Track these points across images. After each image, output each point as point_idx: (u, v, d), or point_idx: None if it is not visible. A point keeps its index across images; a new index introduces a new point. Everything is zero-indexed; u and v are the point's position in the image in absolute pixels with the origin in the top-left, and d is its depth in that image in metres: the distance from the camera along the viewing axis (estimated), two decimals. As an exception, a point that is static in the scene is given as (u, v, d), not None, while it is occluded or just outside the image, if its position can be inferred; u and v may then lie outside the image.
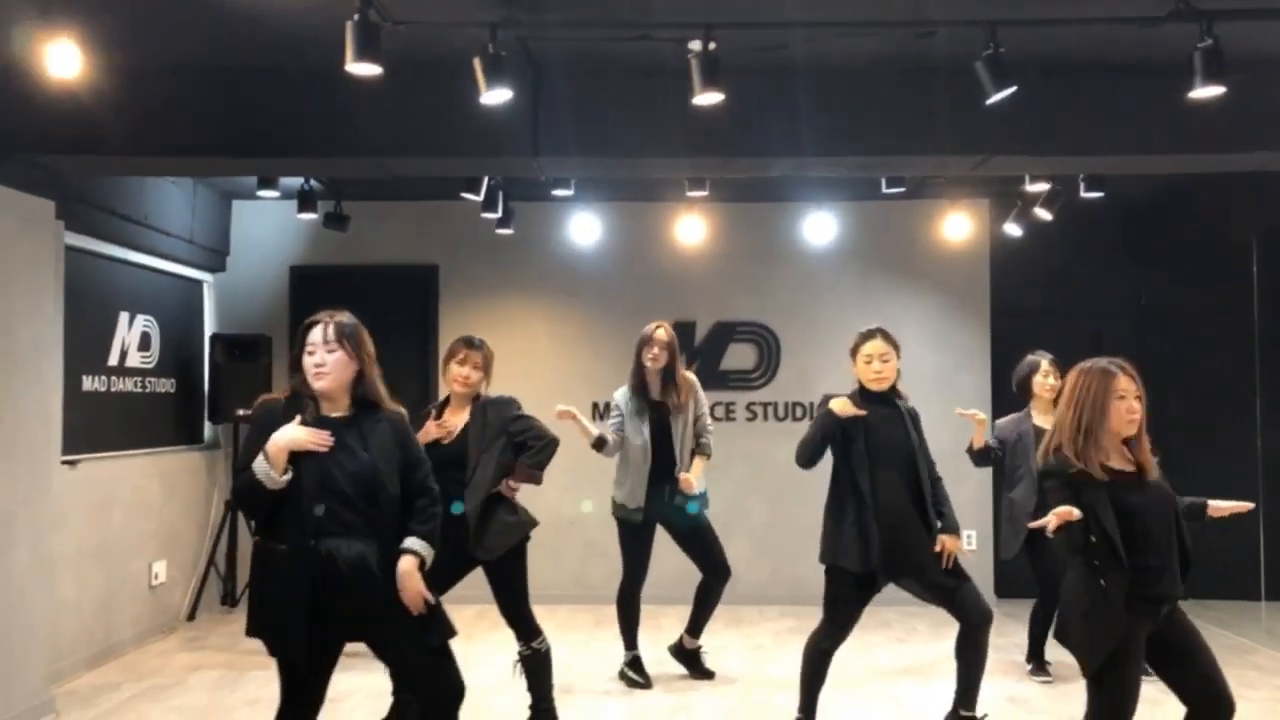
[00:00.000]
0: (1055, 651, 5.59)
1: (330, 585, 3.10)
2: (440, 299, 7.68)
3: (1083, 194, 5.62)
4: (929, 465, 4.45)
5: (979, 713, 4.41)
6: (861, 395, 4.41)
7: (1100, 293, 7.68)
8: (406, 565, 3.18)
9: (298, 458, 3.11)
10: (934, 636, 6.43)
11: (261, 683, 5.37)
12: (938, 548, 4.32)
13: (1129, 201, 7.30)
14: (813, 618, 4.48)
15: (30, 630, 4.77)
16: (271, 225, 7.60)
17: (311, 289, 7.61)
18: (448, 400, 4.55)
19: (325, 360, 3.18)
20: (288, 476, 3.07)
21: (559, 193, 5.46)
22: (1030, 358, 5.79)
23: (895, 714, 4.98)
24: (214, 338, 7.29)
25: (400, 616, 3.18)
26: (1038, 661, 5.64)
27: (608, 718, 4.98)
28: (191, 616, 6.92)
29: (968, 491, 7.63)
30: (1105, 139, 4.44)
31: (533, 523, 4.48)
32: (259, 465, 3.06)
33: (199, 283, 7.42)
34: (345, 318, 3.29)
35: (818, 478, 7.05)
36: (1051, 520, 3.20)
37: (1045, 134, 4.44)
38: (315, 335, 3.22)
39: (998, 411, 7.64)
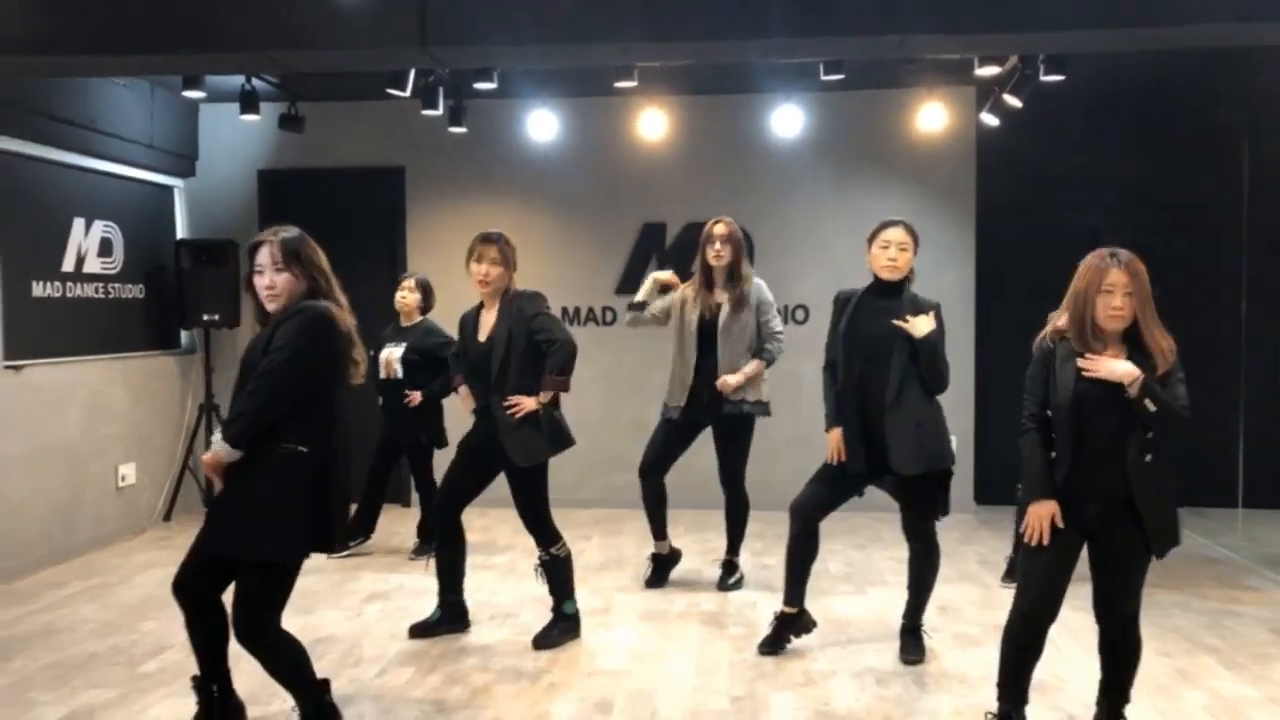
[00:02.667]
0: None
1: None
2: (407, 200, 7.56)
3: (1042, 77, 5.21)
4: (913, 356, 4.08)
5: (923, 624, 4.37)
6: (873, 285, 4.25)
7: (1094, 186, 7.24)
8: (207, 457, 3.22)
9: None
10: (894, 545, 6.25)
11: (200, 582, 5.49)
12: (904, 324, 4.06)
13: (1118, 86, 6.80)
14: (781, 524, 4.39)
15: (-39, 529, 4.90)
16: (240, 129, 7.48)
17: (279, 193, 7.56)
18: (482, 305, 4.51)
19: (275, 281, 3.22)
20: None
21: (481, 86, 5.23)
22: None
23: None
24: (179, 243, 7.29)
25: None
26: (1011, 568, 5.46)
27: (614, 611, 5.02)
28: (167, 518, 7.08)
29: (948, 394, 7.33)
30: (1028, 13, 4.06)
31: (569, 442, 4.47)
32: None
33: (168, 188, 7.40)
34: (289, 234, 3.28)
35: (790, 385, 6.94)
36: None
37: (965, 9, 4.08)
38: (263, 256, 3.24)
39: (981, 313, 7.33)
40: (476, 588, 5.24)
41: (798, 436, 6.66)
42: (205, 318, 7.16)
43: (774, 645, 4.33)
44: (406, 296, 6.00)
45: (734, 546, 5.41)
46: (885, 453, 4.07)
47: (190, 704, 3.62)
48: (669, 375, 5.29)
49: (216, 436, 3.21)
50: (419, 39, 4.26)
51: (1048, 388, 3.25)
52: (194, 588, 3.33)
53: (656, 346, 5.64)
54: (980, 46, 4.63)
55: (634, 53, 4.63)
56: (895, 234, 4.19)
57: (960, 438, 7.38)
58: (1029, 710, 3.32)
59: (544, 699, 3.87)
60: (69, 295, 6.27)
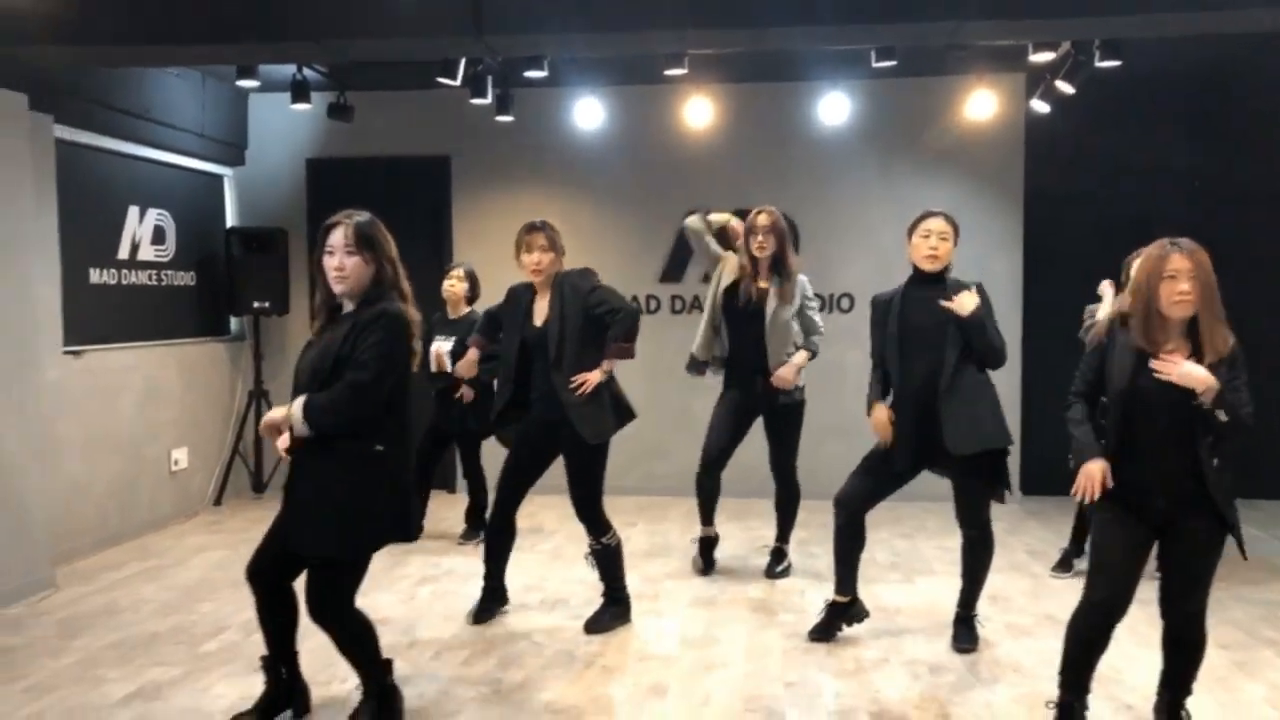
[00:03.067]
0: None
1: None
2: (453, 189, 7.61)
3: (1097, 63, 5.14)
4: (967, 350, 4.09)
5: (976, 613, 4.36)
6: (911, 277, 4.24)
7: (1150, 174, 7.13)
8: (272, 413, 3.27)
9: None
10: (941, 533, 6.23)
11: (254, 564, 5.58)
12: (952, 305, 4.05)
13: (1175, 71, 6.70)
14: (826, 512, 4.39)
15: (25, 510, 5.00)
16: (288, 118, 7.57)
17: (327, 181, 7.63)
18: (534, 290, 4.53)
19: (345, 264, 3.22)
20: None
21: (532, 74, 5.24)
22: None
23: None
24: (229, 231, 7.39)
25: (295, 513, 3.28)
26: (1063, 560, 5.44)
27: (664, 597, 5.06)
28: (218, 502, 7.20)
29: (996, 383, 7.30)
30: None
31: (632, 415, 4.53)
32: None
33: (218, 177, 7.49)
34: (363, 218, 3.29)
35: (834, 373, 6.93)
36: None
37: (1021, -5, 4.05)
38: (335, 238, 3.24)
39: (1029, 302, 7.27)
40: (525, 572, 5.31)
41: (841, 425, 6.65)
42: (255, 305, 7.26)
43: (825, 633, 4.34)
44: (455, 286, 6.03)
45: (784, 535, 5.42)
46: (939, 437, 4.03)
47: (252, 683, 3.71)
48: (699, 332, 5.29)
49: (297, 407, 3.16)
50: (474, 28, 4.29)
51: (1100, 374, 3.24)
52: (268, 574, 3.39)
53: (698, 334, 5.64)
54: (1036, 32, 4.58)
55: (688, 39, 4.63)
56: (936, 224, 4.17)
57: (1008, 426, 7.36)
58: (1098, 701, 3.30)
59: (598, 682, 3.91)
60: (124, 282, 6.38)
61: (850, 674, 3.99)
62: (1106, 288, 5.14)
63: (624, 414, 4.50)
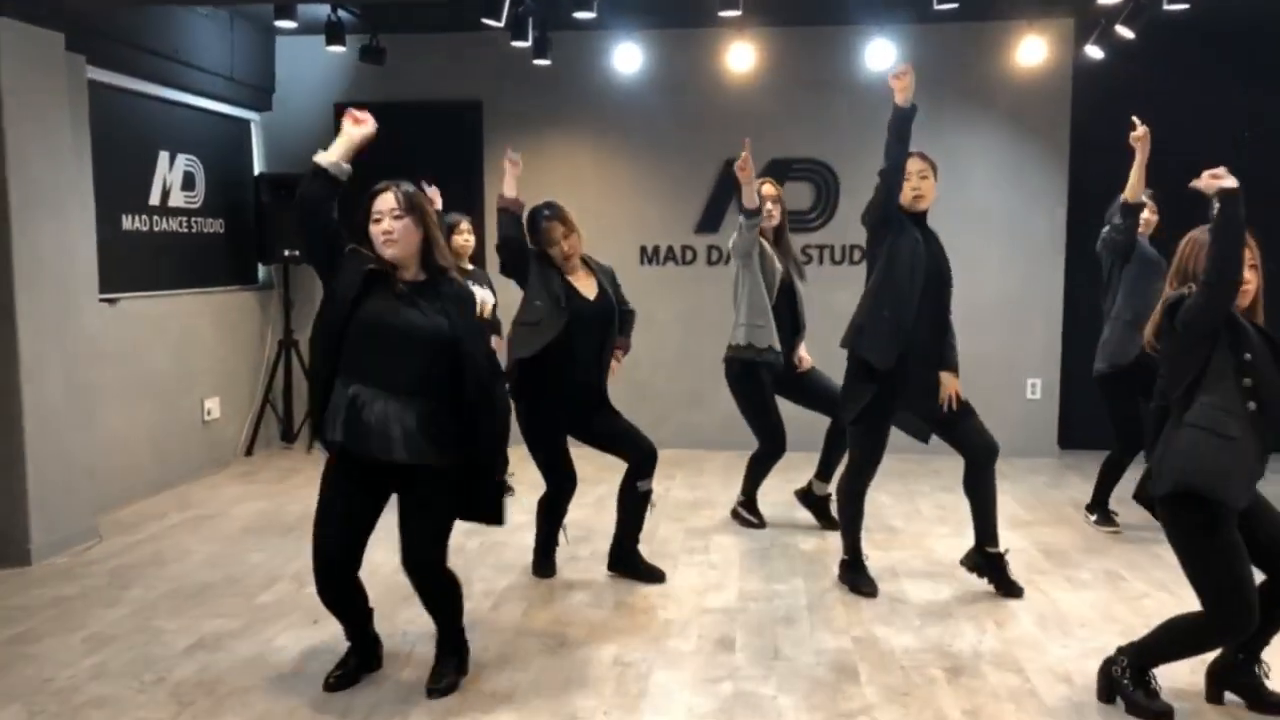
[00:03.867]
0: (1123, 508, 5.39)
1: (352, 433, 3.14)
2: (485, 135, 7.46)
3: (1165, 6, 4.99)
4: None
5: (1001, 548, 4.32)
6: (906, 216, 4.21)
7: (1198, 123, 6.96)
8: None
9: (369, 309, 3.15)
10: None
11: (299, 516, 5.54)
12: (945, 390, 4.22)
13: (1231, 15, 6.51)
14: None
15: (68, 459, 4.94)
16: (316, 61, 7.40)
17: (357, 127, 7.47)
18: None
19: (394, 228, 3.19)
20: (348, 168, 3.17)
21: (581, 15, 5.09)
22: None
23: (933, 562, 4.83)
24: (259, 177, 7.26)
25: (425, 483, 3.24)
26: (1103, 511, 5.39)
27: (714, 550, 5.02)
28: (249, 452, 7.14)
29: (1035, 338, 7.26)
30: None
31: None
32: (320, 157, 3.15)
33: (245, 121, 7.34)
34: (409, 186, 3.29)
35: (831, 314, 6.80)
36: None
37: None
38: (382, 203, 3.21)
39: (1072, 259, 7.15)
40: (573, 525, 5.24)
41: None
42: (286, 253, 7.14)
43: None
44: (468, 240, 5.75)
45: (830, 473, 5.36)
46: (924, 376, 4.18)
47: (313, 635, 3.74)
48: (756, 316, 5.10)
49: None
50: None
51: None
52: (341, 582, 3.31)
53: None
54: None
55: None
56: (915, 164, 4.18)
57: (1045, 383, 7.31)
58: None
59: (664, 635, 3.87)
60: (155, 229, 6.27)
61: (916, 628, 3.95)
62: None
63: None
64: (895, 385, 4.15)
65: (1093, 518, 5.42)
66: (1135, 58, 6.43)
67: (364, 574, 3.36)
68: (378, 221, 3.20)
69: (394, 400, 3.14)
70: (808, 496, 5.48)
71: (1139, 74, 6.73)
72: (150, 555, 4.86)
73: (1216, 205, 2.87)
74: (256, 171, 7.38)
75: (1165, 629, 3.18)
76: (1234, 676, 3.28)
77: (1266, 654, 3.25)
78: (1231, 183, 2.87)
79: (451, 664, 3.40)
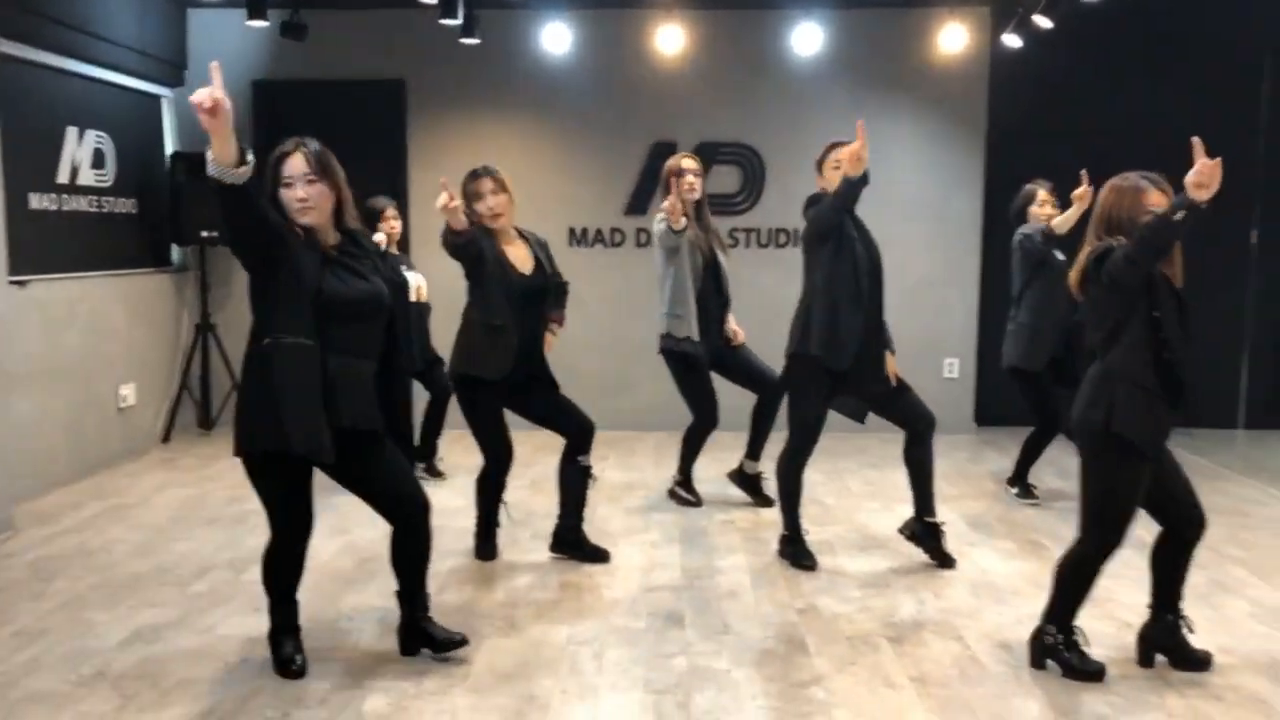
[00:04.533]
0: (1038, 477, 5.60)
1: (331, 399, 3.05)
2: (409, 114, 7.33)
3: (1083, -2, 5.19)
4: None
5: (938, 519, 4.48)
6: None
7: (1107, 112, 7.26)
8: None
9: (313, 276, 3.04)
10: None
11: (224, 504, 5.40)
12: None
13: (1141, 10, 6.79)
14: (776, 444, 4.44)
15: (-19, 449, 4.73)
16: (231, 37, 7.18)
17: (275, 104, 7.29)
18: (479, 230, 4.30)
19: (308, 194, 3.06)
20: (247, 166, 2.81)
21: (514, -5, 5.07)
22: (1027, 186, 5.56)
23: (867, 536, 4.95)
24: (175, 156, 7.02)
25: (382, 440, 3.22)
26: (1024, 484, 5.60)
27: (654, 529, 5.05)
28: (166, 439, 6.92)
29: (953, 319, 7.47)
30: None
31: None
32: (212, 169, 2.78)
33: (156, 98, 7.08)
34: (316, 145, 3.14)
35: (766, 295, 6.95)
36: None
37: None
38: (292, 168, 3.07)
39: (988, 239, 7.38)
40: (510, 506, 5.24)
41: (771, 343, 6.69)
42: (204, 234, 6.93)
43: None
44: (397, 225, 5.66)
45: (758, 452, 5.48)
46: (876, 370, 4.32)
47: (255, 622, 3.66)
48: (676, 305, 5.16)
49: None
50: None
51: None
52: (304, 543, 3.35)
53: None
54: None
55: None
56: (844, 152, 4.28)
57: (963, 362, 7.54)
58: (1096, 619, 3.43)
59: (613, 613, 3.90)
60: (65, 208, 6.01)
61: (856, 599, 4.06)
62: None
63: None
64: (844, 377, 4.25)
65: (1013, 490, 5.63)
66: (1051, 46, 6.65)
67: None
68: (289, 186, 3.06)
69: (365, 366, 3.14)
70: (740, 476, 5.56)
71: (1054, 62, 6.97)
72: (73, 546, 4.68)
73: (1183, 205, 2.99)
74: (170, 150, 7.13)
75: (1058, 579, 3.36)
76: (1161, 638, 3.45)
77: (1188, 609, 3.46)
78: (1208, 196, 2.99)
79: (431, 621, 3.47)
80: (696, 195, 5.20)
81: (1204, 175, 2.94)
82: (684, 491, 5.50)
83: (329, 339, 3.06)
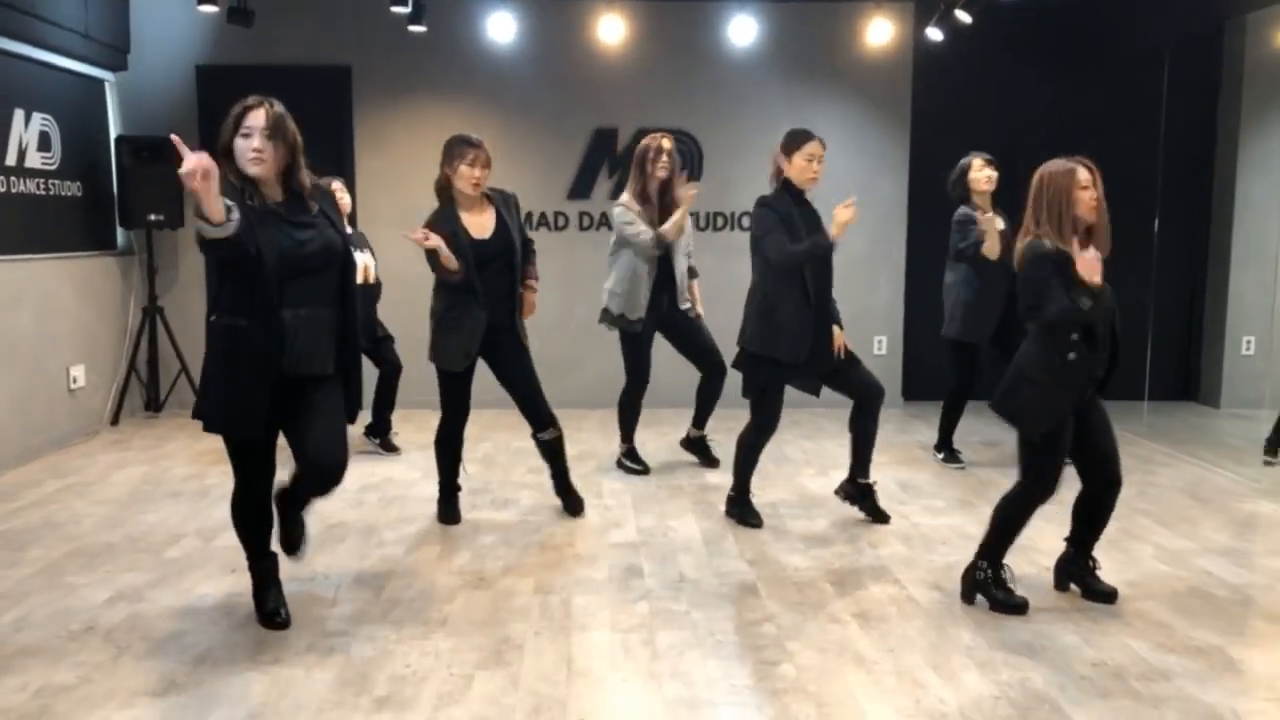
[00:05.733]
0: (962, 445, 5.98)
1: (292, 353, 3.23)
2: (354, 101, 7.46)
3: (1000, -5, 5.56)
4: None
5: (871, 480, 4.82)
6: (789, 193, 4.58)
7: (1022, 101, 7.69)
8: None
9: (259, 237, 3.14)
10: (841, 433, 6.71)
11: (183, 479, 5.52)
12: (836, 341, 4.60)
13: (1052, 6, 7.23)
14: (728, 418, 4.72)
15: (-57, 426, 4.79)
16: (175, 22, 7.25)
17: (219, 89, 7.33)
18: (449, 205, 4.54)
19: (264, 147, 3.19)
20: (233, 222, 2.99)
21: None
22: (963, 160, 5.80)
23: (802, 495, 5.27)
24: (120, 140, 7.05)
25: (327, 388, 3.37)
26: (949, 450, 5.98)
27: (607, 495, 5.32)
28: (115, 421, 6.97)
29: (881, 298, 7.85)
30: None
31: None
32: (204, 230, 2.99)
33: (99, 81, 7.10)
34: (280, 106, 3.29)
35: (736, 290, 7.29)
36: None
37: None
38: (254, 120, 3.20)
39: (913, 221, 7.78)
40: (466, 480, 5.46)
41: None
42: (150, 218, 6.98)
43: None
44: (344, 199, 5.77)
45: (703, 421, 5.83)
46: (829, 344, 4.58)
47: (233, 582, 3.86)
48: (618, 283, 5.49)
49: None
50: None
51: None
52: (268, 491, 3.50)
53: (607, 252, 5.82)
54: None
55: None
56: (817, 148, 4.57)
57: (890, 339, 7.93)
58: (1020, 565, 3.80)
59: (577, 567, 4.15)
60: (13, 190, 6.04)
61: (800, 551, 4.37)
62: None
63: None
64: (800, 364, 4.52)
65: (939, 456, 6.01)
66: (971, 40, 7.04)
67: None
68: (248, 136, 3.19)
69: (321, 314, 3.31)
70: (687, 441, 5.91)
71: (974, 54, 7.37)
72: (40, 520, 4.78)
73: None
74: (114, 134, 7.16)
75: (996, 519, 3.72)
76: (1073, 570, 3.85)
77: (1097, 552, 3.86)
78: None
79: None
80: (665, 175, 5.42)
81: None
82: (630, 461, 5.78)
83: (285, 294, 3.22)
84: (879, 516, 4.78)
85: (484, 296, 4.51)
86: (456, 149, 4.52)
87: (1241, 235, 7.69)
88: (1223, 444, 6.69)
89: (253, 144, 3.18)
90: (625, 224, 5.41)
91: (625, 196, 5.52)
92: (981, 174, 5.70)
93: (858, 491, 4.79)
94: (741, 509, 4.78)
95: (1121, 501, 5.10)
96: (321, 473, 3.35)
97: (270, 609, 3.54)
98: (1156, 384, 7.60)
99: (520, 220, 4.73)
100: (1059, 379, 3.53)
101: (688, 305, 5.61)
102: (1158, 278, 7.51)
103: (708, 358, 5.67)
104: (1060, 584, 3.90)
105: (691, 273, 5.70)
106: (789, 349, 4.48)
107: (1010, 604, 3.70)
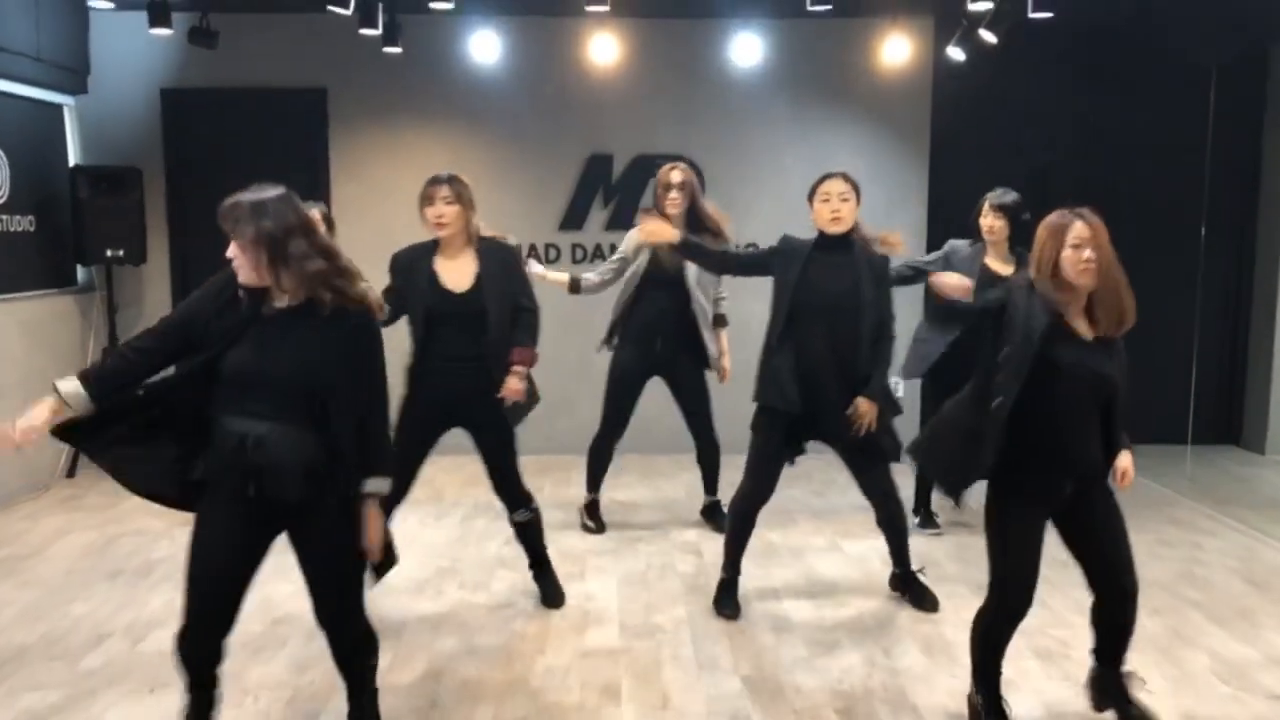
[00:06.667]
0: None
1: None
2: (330, 126, 6.95)
3: (1030, 14, 5.00)
4: (877, 323, 4.10)
5: (915, 566, 4.43)
6: (818, 240, 4.14)
7: (1050, 122, 7.12)
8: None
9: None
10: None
11: (129, 553, 5.03)
12: (850, 410, 4.04)
13: (1086, 25, 6.65)
14: (736, 469, 4.32)
15: None
16: (138, 42, 6.71)
17: (186, 115, 6.86)
18: (432, 242, 4.10)
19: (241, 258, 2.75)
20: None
21: (437, 6, 4.73)
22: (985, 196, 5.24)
23: (809, 569, 4.73)
24: (75, 170, 6.57)
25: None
26: (926, 512, 5.42)
27: (590, 573, 4.87)
28: (71, 474, 6.49)
29: (898, 341, 7.27)
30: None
31: (538, 398, 4.26)
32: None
33: (56, 106, 6.62)
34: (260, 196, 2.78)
35: (741, 323, 6.76)
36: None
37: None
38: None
39: (933, 248, 7.20)
40: (436, 554, 4.99)
41: (748, 376, 6.45)
42: (109, 253, 6.49)
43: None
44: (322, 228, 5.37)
45: (713, 487, 5.43)
46: (833, 407, 4.04)
47: (150, 706, 3.32)
48: (613, 310, 5.23)
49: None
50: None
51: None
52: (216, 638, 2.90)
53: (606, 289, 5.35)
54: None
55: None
56: (835, 185, 4.11)
57: (909, 382, 7.35)
58: (1054, 681, 3.24)
59: (547, 688, 3.62)
60: (-47, 229, 5.57)
61: (804, 663, 3.82)
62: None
63: (536, 396, 4.28)
64: (801, 419, 4.07)
65: (915, 521, 5.40)
66: (996, 59, 6.47)
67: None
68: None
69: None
70: (704, 510, 5.54)
71: (999, 75, 6.79)
72: (-46, 611, 4.30)
73: None
74: (72, 162, 6.68)
75: (972, 639, 3.22)
76: (1107, 690, 3.30)
77: (1145, 664, 3.43)
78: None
79: None
80: (680, 209, 5.00)
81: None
82: (588, 517, 5.39)
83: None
84: (923, 604, 4.31)
85: (433, 359, 4.01)
86: (424, 189, 4.08)
87: (1289, 270, 7.10)
88: (1273, 503, 6.10)
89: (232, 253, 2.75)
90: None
91: (634, 231, 5.09)
92: (984, 220, 5.12)
93: (899, 581, 4.42)
94: (719, 594, 4.30)
95: (1167, 588, 4.59)
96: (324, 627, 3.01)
97: None
98: (1198, 427, 7.04)
99: (519, 282, 4.17)
100: (979, 434, 3.01)
101: (712, 354, 5.17)
102: (1201, 315, 6.93)
103: (695, 422, 5.29)
104: (1097, 704, 3.33)
105: (719, 321, 5.23)
106: (759, 388, 4.12)
107: (996, 734, 3.17)
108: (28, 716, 3.38)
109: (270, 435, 2.73)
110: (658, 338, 5.11)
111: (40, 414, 2.76)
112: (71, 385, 2.77)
